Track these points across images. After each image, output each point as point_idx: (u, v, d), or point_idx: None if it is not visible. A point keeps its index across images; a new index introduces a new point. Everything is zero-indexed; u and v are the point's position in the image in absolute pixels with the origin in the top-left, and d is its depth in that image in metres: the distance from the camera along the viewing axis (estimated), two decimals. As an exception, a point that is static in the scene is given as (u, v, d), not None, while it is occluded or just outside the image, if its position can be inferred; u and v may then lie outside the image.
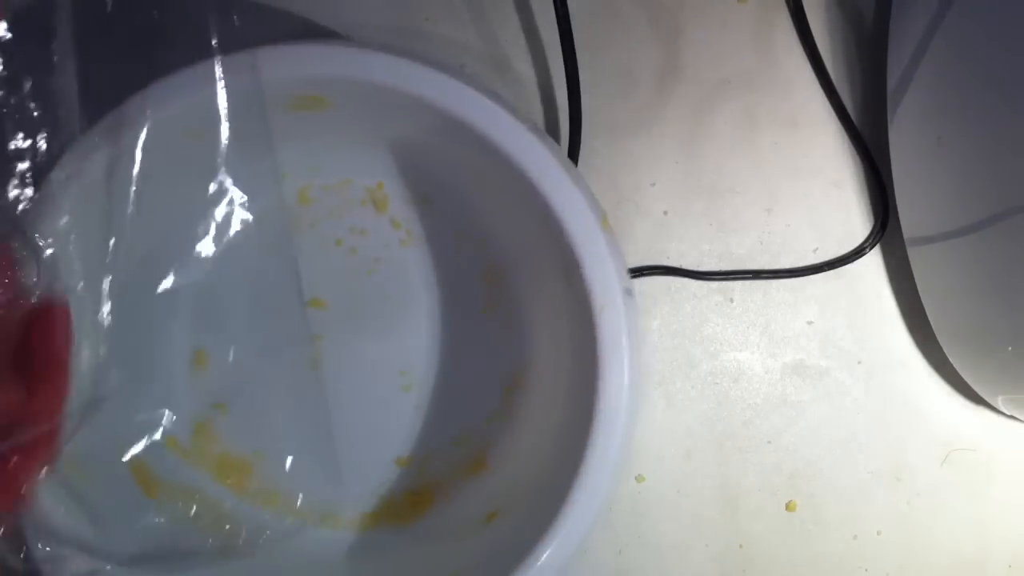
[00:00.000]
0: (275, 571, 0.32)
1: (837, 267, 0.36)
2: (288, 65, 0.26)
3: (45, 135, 0.20)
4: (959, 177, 0.30)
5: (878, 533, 0.35)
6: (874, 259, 0.36)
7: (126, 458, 0.29)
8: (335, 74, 0.27)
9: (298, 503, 0.33)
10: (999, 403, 0.34)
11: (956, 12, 0.29)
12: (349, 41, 0.27)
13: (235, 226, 0.33)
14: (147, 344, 0.32)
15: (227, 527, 0.32)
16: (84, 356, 0.28)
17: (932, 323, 0.35)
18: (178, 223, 0.32)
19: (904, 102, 0.33)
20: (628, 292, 0.27)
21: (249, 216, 0.33)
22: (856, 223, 0.36)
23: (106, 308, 0.28)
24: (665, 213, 0.36)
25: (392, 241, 0.34)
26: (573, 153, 0.34)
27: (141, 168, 0.27)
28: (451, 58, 0.35)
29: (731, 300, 0.36)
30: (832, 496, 0.35)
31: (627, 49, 0.36)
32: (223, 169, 0.31)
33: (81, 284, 0.28)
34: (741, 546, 0.35)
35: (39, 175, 0.24)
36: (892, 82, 0.34)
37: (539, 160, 0.27)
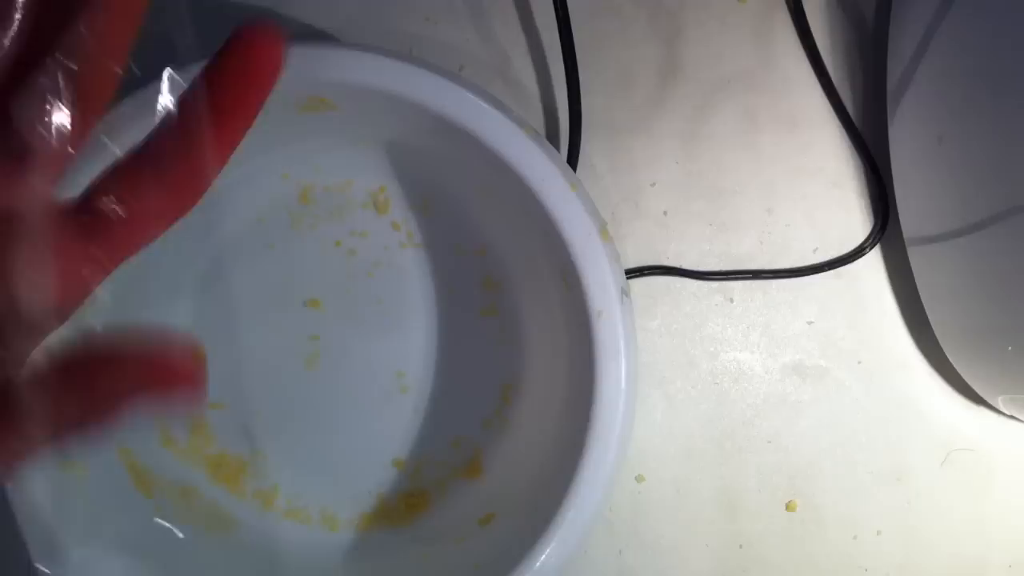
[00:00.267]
0: (272, 571, 0.32)
1: (837, 267, 0.36)
2: (294, 66, 0.26)
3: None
4: (959, 177, 0.30)
5: (878, 533, 0.35)
6: (874, 259, 0.36)
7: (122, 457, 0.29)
8: (341, 77, 0.27)
9: (294, 504, 0.33)
10: (999, 403, 0.34)
11: (956, 12, 0.29)
12: (354, 44, 0.27)
13: (235, 225, 0.33)
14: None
15: (223, 527, 0.32)
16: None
17: (932, 323, 0.35)
18: (179, 222, 0.32)
19: (904, 102, 0.33)
20: (625, 295, 0.27)
21: (250, 215, 0.33)
22: (856, 223, 0.36)
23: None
24: (665, 213, 0.36)
25: (392, 244, 0.34)
26: (573, 153, 0.34)
27: None
28: (451, 58, 0.35)
29: (731, 300, 0.36)
30: (832, 496, 0.35)
31: (627, 49, 0.36)
32: (226, 167, 0.31)
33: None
34: (741, 546, 0.35)
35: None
36: (892, 82, 0.34)
37: (539, 168, 0.27)
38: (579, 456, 0.27)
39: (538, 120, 0.36)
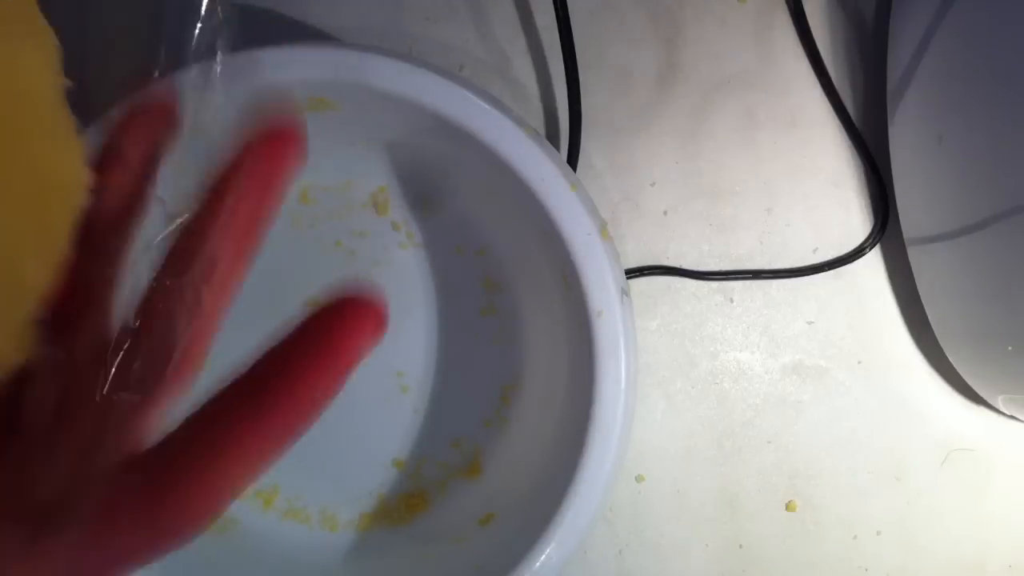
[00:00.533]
0: (272, 571, 0.32)
1: (837, 267, 0.36)
2: (295, 67, 0.26)
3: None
4: (959, 177, 0.30)
5: (878, 533, 0.35)
6: (874, 259, 0.36)
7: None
8: (341, 78, 0.27)
9: (294, 504, 0.33)
10: (999, 403, 0.34)
11: (956, 12, 0.29)
12: (354, 44, 0.27)
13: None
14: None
15: (222, 526, 0.32)
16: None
17: (932, 323, 0.34)
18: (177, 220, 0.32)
19: (904, 102, 0.33)
20: (624, 294, 0.27)
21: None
22: (856, 223, 0.36)
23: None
24: (665, 213, 0.36)
25: (392, 244, 0.34)
26: (573, 153, 0.34)
27: None
28: (451, 58, 0.35)
29: (731, 300, 0.36)
30: (832, 496, 0.35)
31: (627, 49, 0.36)
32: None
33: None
34: (741, 546, 0.35)
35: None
36: (892, 82, 0.34)
37: (539, 167, 0.27)
38: (579, 456, 0.27)
39: (538, 120, 0.36)
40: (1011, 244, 0.28)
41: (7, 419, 0.14)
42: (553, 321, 0.31)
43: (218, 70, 0.20)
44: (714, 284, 0.36)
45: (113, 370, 0.15)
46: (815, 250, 0.36)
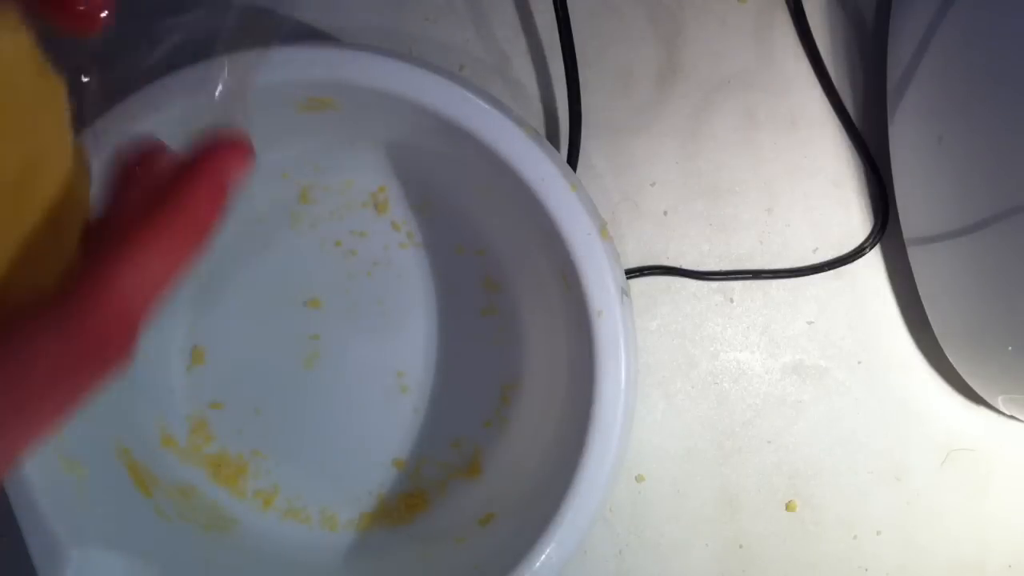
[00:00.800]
0: (272, 571, 0.32)
1: (837, 267, 0.36)
2: (296, 67, 0.26)
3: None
4: (959, 177, 0.30)
5: (878, 533, 0.35)
6: (874, 259, 0.36)
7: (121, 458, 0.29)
8: (343, 78, 0.26)
9: (294, 504, 0.33)
10: (999, 403, 0.34)
11: (956, 12, 0.29)
12: (355, 44, 0.27)
13: (235, 224, 0.33)
14: (146, 340, 0.32)
15: (222, 526, 0.32)
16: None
17: (932, 323, 0.34)
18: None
19: (904, 102, 0.33)
20: (624, 294, 0.27)
21: (250, 214, 0.33)
22: (856, 223, 0.36)
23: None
24: (665, 213, 0.36)
25: (392, 244, 0.34)
26: (573, 153, 0.34)
27: None
28: (451, 58, 0.35)
29: (731, 300, 0.36)
30: (832, 496, 0.35)
31: (627, 49, 0.36)
32: None
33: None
34: (741, 546, 0.35)
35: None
36: (892, 82, 0.34)
37: (539, 167, 0.27)
38: (579, 456, 0.27)
39: (538, 120, 0.36)
40: (1011, 244, 0.28)
41: None
42: (553, 321, 0.31)
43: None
44: (714, 284, 0.36)
45: None
46: (815, 250, 0.36)
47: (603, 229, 0.27)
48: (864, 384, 0.36)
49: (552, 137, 0.36)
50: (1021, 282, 0.28)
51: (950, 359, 0.34)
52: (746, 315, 0.36)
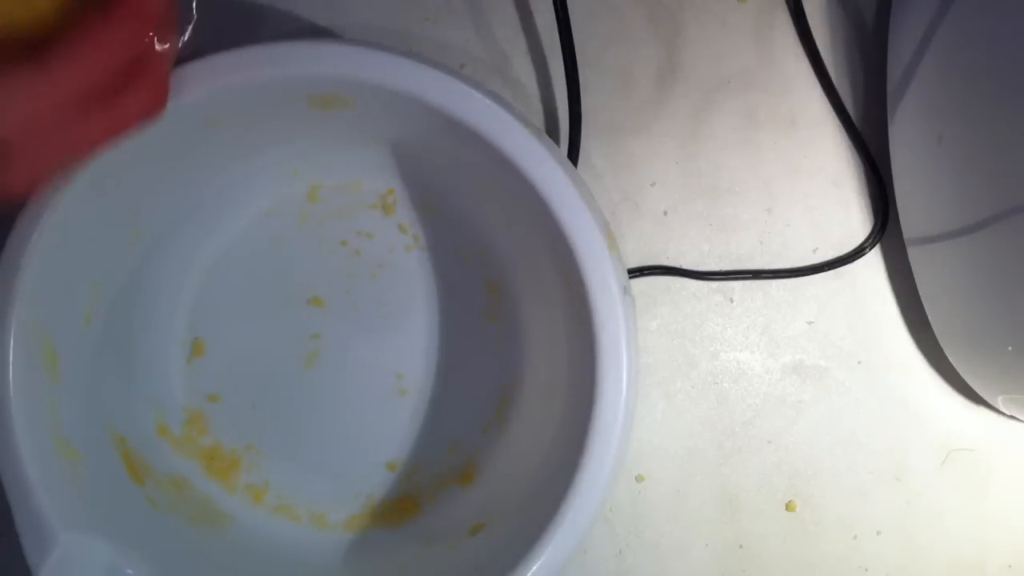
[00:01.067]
0: (258, 566, 0.32)
1: (837, 267, 0.36)
2: (312, 63, 0.26)
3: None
4: (959, 177, 0.30)
5: (878, 533, 0.35)
6: (874, 259, 0.36)
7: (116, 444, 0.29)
8: (361, 76, 0.26)
9: (285, 500, 0.33)
10: (999, 403, 0.34)
11: (956, 12, 0.29)
12: (375, 44, 0.26)
13: (243, 217, 0.34)
14: (147, 328, 0.32)
15: (211, 519, 0.32)
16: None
17: (932, 323, 0.35)
18: (189, 210, 0.32)
19: (904, 102, 0.33)
20: (627, 292, 0.27)
21: (258, 209, 0.34)
22: (856, 223, 0.36)
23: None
24: (665, 213, 0.36)
25: (398, 246, 0.34)
26: (573, 153, 0.34)
27: (156, 152, 0.27)
28: (451, 58, 0.35)
29: (731, 300, 0.36)
30: (832, 496, 0.35)
31: (627, 49, 0.36)
32: (236, 160, 0.31)
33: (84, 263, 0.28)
34: (741, 546, 0.35)
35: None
36: (892, 82, 0.34)
37: (553, 179, 0.26)
38: (579, 456, 0.27)
39: (538, 120, 0.36)
40: (1011, 244, 0.28)
41: None
42: (555, 330, 0.31)
43: None
44: (714, 284, 0.36)
45: None
46: (815, 250, 0.36)
47: (612, 244, 0.27)
48: (864, 384, 0.36)
49: (552, 137, 0.36)
50: (1021, 282, 0.28)
51: (950, 359, 0.34)
52: (746, 315, 0.36)
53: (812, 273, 0.36)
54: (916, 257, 0.34)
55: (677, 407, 0.35)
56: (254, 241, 0.33)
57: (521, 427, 0.33)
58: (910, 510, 0.36)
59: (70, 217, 0.26)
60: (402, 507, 0.33)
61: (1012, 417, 0.35)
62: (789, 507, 0.35)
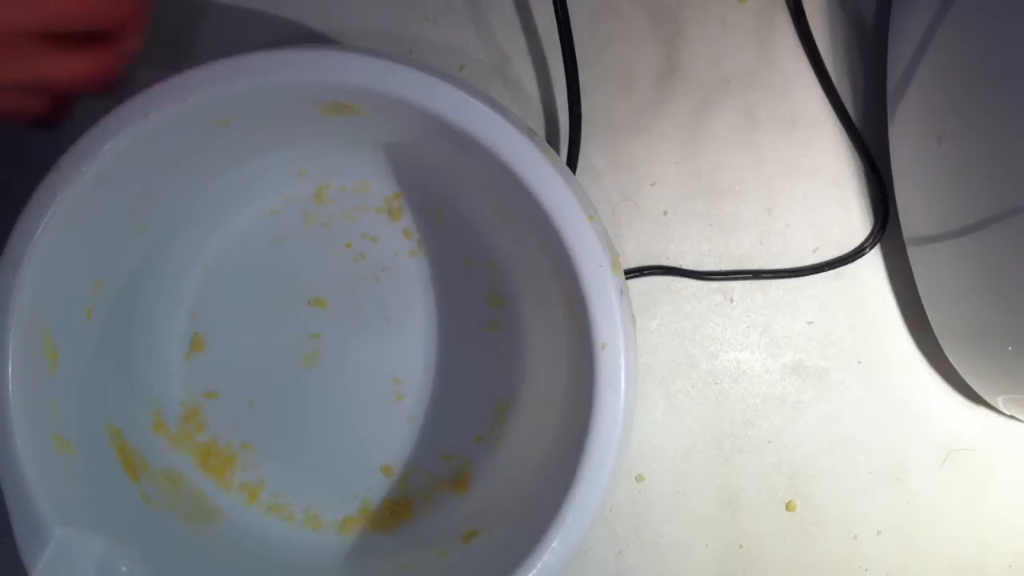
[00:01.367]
0: (250, 564, 0.32)
1: (837, 267, 0.36)
2: (324, 69, 0.26)
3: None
4: (959, 177, 0.30)
5: (878, 533, 0.35)
6: (874, 259, 0.36)
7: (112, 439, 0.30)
8: (369, 86, 0.26)
9: (279, 500, 0.33)
10: (999, 403, 0.34)
11: (956, 12, 0.29)
12: (387, 53, 0.26)
13: (249, 215, 0.34)
14: (148, 323, 0.33)
15: (205, 516, 0.32)
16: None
17: (932, 323, 0.34)
18: (195, 208, 0.32)
19: (904, 102, 0.33)
20: (623, 294, 0.27)
21: (265, 208, 0.34)
22: (856, 223, 0.36)
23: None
24: (665, 213, 0.36)
25: (402, 251, 0.34)
26: (573, 153, 0.34)
27: (164, 151, 0.27)
28: (450, 58, 0.35)
29: (731, 300, 0.36)
30: (832, 496, 0.35)
31: (627, 49, 0.36)
32: (244, 159, 0.31)
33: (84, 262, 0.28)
34: (741, 546, 0.35)
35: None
36: (892, 82, 0.34)
37: (559, 196, 0.26)
38: (579, 457, 0.26)
39: (538, 121, 0.36)
40: (1011, 244, 0.28)
41: None
42: (555, 343, 0.31)
43: None
44: (714, 284, 0.36)
45: None
46: (815, 250, 0.36)
47: (615, 262, 0.27)
48: (864, 384, 0.36)
49: (552, 137, 0.36)
50: (1021, 282, 0.28)
51: (950, 359, 0.34)
52: (746, 315, 0.36)
53: (812, 273, 0.36)
54: (916, 257, 0.34)
55: (677, 407, 0.35)
56: (259, 240, 0.34)
57: (517, 437, 0.33)
58: (910, 510, 0.36)
59: (75, 212, 0.26)
60: (396, 511, 0.33)
61: (1012, 417, 0.35)
62: (789, 507, 0.35)
